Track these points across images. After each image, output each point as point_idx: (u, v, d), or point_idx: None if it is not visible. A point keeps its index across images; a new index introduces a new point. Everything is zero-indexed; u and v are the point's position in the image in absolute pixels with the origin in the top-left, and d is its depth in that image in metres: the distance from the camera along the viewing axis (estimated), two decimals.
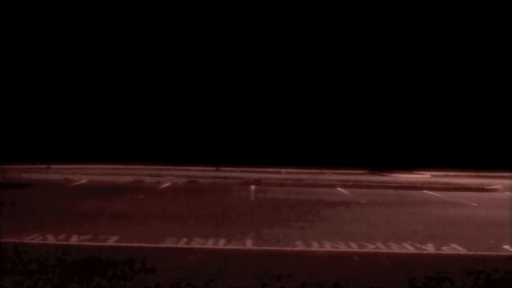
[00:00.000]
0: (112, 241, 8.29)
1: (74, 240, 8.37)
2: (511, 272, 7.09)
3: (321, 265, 7.19)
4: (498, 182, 21.46)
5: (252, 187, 18.84)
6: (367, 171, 27.44)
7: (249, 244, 8.26)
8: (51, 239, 8.36)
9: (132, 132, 30.44)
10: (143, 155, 28.66)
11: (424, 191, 18.57)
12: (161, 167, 25.89)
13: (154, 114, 31.04)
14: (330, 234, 9.31)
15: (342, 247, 8.19)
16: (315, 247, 8.17)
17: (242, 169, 26.94)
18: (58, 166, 24.99)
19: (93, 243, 8.13)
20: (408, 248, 8.29)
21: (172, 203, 13.99)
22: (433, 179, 22.84)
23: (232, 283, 6.04)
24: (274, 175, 22.81)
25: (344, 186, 19.30)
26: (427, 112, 30.80)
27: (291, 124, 30.99)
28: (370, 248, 8.21)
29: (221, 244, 8.25)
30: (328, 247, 8.19)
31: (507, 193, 18.53)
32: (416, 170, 26.75)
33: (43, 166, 24.89)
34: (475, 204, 14.78)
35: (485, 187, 19.49)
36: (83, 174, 21.15)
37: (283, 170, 26.44)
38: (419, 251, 8.10)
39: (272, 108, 31.24)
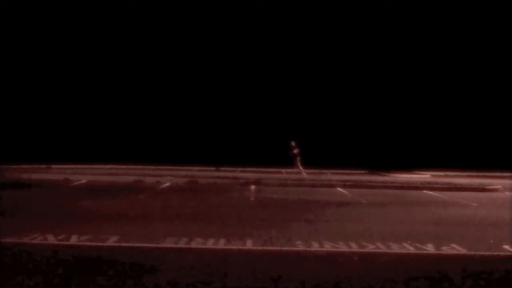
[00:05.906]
0: (112, 241, 8.29)
1: (74, 240, 8.36)
2: (511, 272, 7.09)
3: (321, 265, 7.19)
4: (498, 182, 21.46)
5: (252, 187, 18.84)
6: (367, 171, 27.44)
7: (249, 244, 8.25)
8: (51, 239, 8.35)
9: (132, 132, 30.45)
10: (143, 155, 28.68)
11: (424, 191, 18.56)
12: (161, 167, 25.88)
13: (154, 115, 31.05)
14: (330, 234, 9.30)
15: (342, 247, 8.18)
16: (315, 247, 8.17)
17: (242, 169, 26.94)
18: (58, 166, 24.99)
19: (93, 243, 8.12)
20: (408, 248, 8.28)
21: (172, 203, 13.99)
22: (433, 179, 22.83)
23: (232, 283, 6.03)
24: (274, 175, 22.80)
25: (344, 186, 19.30)
26: (427, 112, 30.81)
27: (291, 124, 30.99)
28: (370, 248, 8.20)
29: (221, 244, 8.25)
30: (328, 247, 8.19)
31: (507, 193, 18.52)
32: (416, 170, 26.76)
33: (43, 166, 24.90)
34: (475, 204, 14.77)
35: (485, 187, 19.48)
36: (83, 174, 21.13)
37: (283, 170, 26.43)
38: (419, 251, 8.09)
39: (272, 108, 31.25)
